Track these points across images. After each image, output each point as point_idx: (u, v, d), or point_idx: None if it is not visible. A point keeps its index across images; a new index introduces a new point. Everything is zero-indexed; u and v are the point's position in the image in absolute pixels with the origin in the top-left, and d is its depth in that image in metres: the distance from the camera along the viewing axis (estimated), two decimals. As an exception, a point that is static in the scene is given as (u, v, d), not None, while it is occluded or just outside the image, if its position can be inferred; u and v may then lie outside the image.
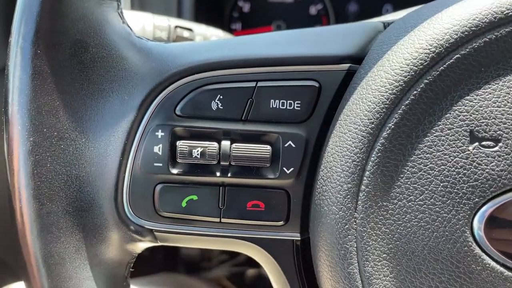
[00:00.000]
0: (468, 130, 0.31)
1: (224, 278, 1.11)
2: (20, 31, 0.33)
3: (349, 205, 0.32)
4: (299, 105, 0.36)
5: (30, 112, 0.33)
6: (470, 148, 0.31)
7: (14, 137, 0.33)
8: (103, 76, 0.35)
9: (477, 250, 0.31)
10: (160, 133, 0.36)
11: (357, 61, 0.36)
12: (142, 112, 0.36)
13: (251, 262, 1.15)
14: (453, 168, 0.31)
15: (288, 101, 0.36)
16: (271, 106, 0.36)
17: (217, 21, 1.11)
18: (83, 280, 0.35)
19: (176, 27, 0.59)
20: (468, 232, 0.31)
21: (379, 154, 0.32)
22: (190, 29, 0.61)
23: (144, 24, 0.58)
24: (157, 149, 0.36)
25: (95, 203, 0.35)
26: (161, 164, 0.36)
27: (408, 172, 0.32)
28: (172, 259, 1.18)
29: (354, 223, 0.32)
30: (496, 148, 0.31)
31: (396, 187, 0.32)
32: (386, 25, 0.39)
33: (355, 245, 0.32)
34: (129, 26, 0.38)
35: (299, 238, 0.37)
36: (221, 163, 0.36)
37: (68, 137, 0.34)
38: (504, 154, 0.31)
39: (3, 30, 0.87)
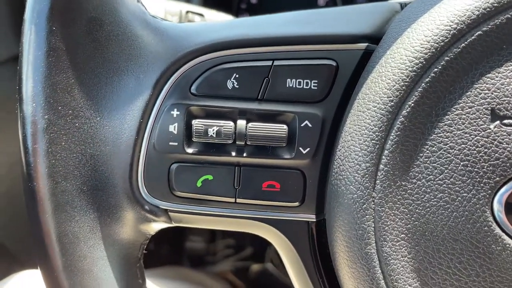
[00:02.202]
0: (490, 108, 0.31)
1: (229, 272, 1.11)
2: (34, 7, 0.32)
3: (367, 184, 0.32)
4: (315, 84, 0.35)
5: (45, 89, 0.32)
6: (491, 126, 0.31)
7: (29, 115, 0.32)
8: (118, 54, 0.35)
9: (497, 230, 0.31)
10: (175, 112, 0.35)
11: (374, 40, 0.36)
12: (158, 90, 0.36)
13: (256, 257, 1.15)
14: (474, 147, 0.31)
15: (305, 81, 0.35)
16: (287, 86, 0.35)
17: (225, 12, 1.11)
18: (97, 260, 0.35)
19: (188, 12, 0.59)
20: (488, 212, 0.31)
21: (398, 133, 0.31)
22: (201, 14, 0.60)
23: (155, 9, 0.58)
24: (173, 128, 0.35)
25: (109, 182, 0.35)
26: (176, 143, 0.35)
27: (428, 151, 0.31)
28: (177, 253, 1.18)
29: (372, 203, 0.32)
30: None
31: (415, 166, 0.32)
32: (403, 5, 0.38)
33: (373, 225, 0.32)
34: (143, 5, 0.37)
35: (315, 220, 0.37)
36: (237, 142, 0.35)
37: (83, 115, 0.34)
38: None
39: (8, 21, 0.87)
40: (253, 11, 1.12)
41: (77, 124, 0.34)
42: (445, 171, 0.31)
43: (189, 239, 1.18)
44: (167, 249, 1.17)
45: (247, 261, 1.16)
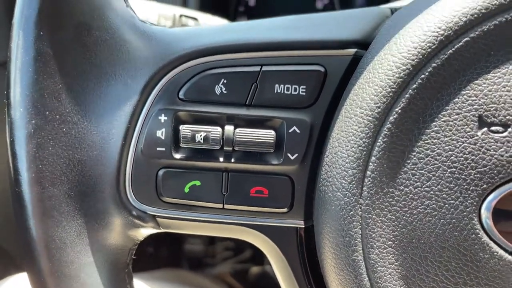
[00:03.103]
0: (477, 115, 0.30)
1: (228, 275, 1.11)
2: (23, 12, 0.32)
3: (354, 191, 0.32)
4: (304, 90, 0.35)
5: (33, 94, 0.32)
6: (479, 133, 0.30)
7: (16, 120, 0.32)
8: (106, 59, 0.35)
9: (485, 238, 0.31)
10: (163, 117, 0.35)
11: (363, 46, 0.36)
12: (145, 96, 0.36)
13: (255, 259, 1.15)
14: (461, 154, 0.31)
15: (293, 86, 0.35)
16: (275, 91, 0.35)
17: (223, 15, 1.11)
18: (84, 265, 0.35)
19: (181, 16, 0.59)
20: (475, 220, 0.31)
21: (385, 139, 0.31)
22: (195, 18, 0.60)
23: (149, 12, 0.58)
24: (160, 133, 0.35)
25: (97, 187, 0.35)
26: (164, 149, 0.35)
27: (415, 158, 0.31)
28: (176, 255, 1.18)
29: (359, 210, 0.32)
30: (505, 134, 0.30)
31: (402, 173, 0.31)
32: (393, 10, 0.38)
33: (360, 232, 0.32)
34: (132, 10, 0.37)
35: (303, 226, 0.37)
36: (225, 148, 0.35)
37: (70, 120, 0.34)
38: None
39: (7, 23, 0.87)
40: (251, 14, 1.12)
41: (64, 129, 0.34)
42: (432, 178, 0.31)
43: (188, 241, 1.18)
44: (166, 252, 1.17)
45: (246, 263, 1.15)
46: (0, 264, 0.95)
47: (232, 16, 1.12)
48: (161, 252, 1.16)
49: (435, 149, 0.31)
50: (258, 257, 1.13)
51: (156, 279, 0.73)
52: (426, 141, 0.31)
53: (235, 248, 1.18)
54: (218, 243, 1.19)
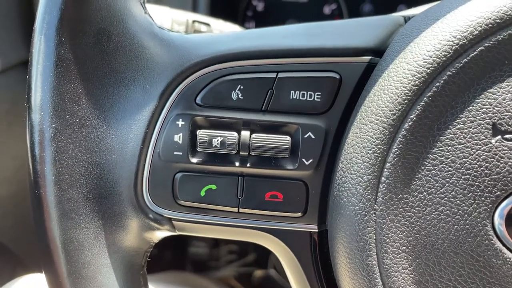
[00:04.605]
0: (491, 123, 0.31)
1: (232, 278, 1.12)
2: (44, 18, 0.33)
3: (369, 196, 0.32)
4: (319, 96, 0.36)
5: (53, 98, 0.33)
6: (493, 141, 0.31)
7: (37, 124, 0.33)
8: (125, 65, 0.36)
9: (498, 244, 0.31)
10: (180, 122, 0.36)
11: (378, 54, 0.36)
12: (163, 101, 0.36)
13: (259, 263, 1.15)
14: (475, 161, 0.31)
15: (309, 93, 0.36)
16: (291, 97, 0.36)
17: (231, 20, 1.12)
18: (101, 267, 0.35)
19: (194, 21, 0.59)
20: (489, 226, 0.31)
21: (400, 146, 0.32)
22: (207, 24, 0.61)
23: (162, 17, 0.59)
24: (178, 138, 0.36)
25: (115, 190, 0.36)
26: (181, 153, 0.36)
27: (429, 165, 0.32)
28: (181, 258, 1.19)
29: (374, 215, 0.32)
30: None
31: (417, 179, 0.32)
32: (406, 19, 0.39)
33: (374, 237, 0.32)
34: (151, 17, 0.38)
35: (317, 230, 0.37)
36: (241, 153, 0.36)
37: (89, 124, 0.35)
38: None
39: (15, 26, 0.88)
40: (259, 19, 1.12)
41: (84, 133, 0.34)
42: (447, 184, 0.32)
43: (193, 244, 1.18)
44: (171, 254, 1.17)
45: (250, 267, 1.16)
46: (9, 265, 0.95)
47: (240, 20, 1.13)
48: (166, 254, 1.16)
49: (450, 156, 0.32)
50: (262, 260, 1.13)
51: (161, 281, 0.74)
52: (440, 148, 0.32)
53: (239, 251, 1.19)
54: (222, 246, 1.20)
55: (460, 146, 0.31)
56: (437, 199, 0.32)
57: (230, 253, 1.20)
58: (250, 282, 1.12)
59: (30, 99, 0.33)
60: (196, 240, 1.18)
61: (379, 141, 0.32)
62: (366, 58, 0.36)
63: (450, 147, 0.31)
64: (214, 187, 0.36)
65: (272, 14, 1.11)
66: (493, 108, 0.31)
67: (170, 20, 0.59)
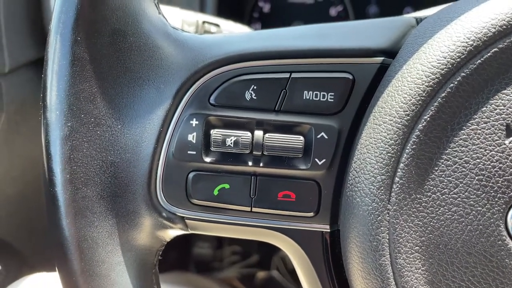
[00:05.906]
0: (505, 124, 0.31)
1: (235, 279, 1.12)
2: (60, 18, 0.33)
3: (382, 196, 0.32)
4: (332, 96, 0.36)
5: (69, 97, 0.33)
6: (506, 142, 0.31)
7: (52, 122, 0.33)
8: (140, 65, 0.36)
9: (511, 244, 0.31)
10: (194, 122, 0.36)
11: (390, 55, 0.36)
12: (177, 100, 0.37)
13: (262, 264, 1.15)
14: (489, 162, 0.31)
15: (322, 93, 0.36)
16: (304, 97, 0.36)
17: (237, 21, 1.12)
18: (114, 265, 0.36)
19: (204, 22, 0.60)
20: (502, 226, 0.31)
21: (414, 146, 0.32)
22: (217, 25, 0.61)
23: (172, 18, 0.59)
24: (191, 137, 0.36)
25: (128, 189, 0.36)
26: (194, 152, 0.36)
27: (443, 165, 0.32)
28: (184, 259, 1.19)
29: (387, 215, 0.32)
30: None
31: (430, 179, 0.32)
32: (418, 20, 0.39)
33: (387, 237, 0.33)
34: (164, 17, 0.38)
35: (329, 230, 0.37)
36: (254, 152, 0.36)
37: (104, 123, 0.35)
38: None
39: (25, 26, 0.88)
40: (265, 20, 1.13)
41: (98, 132, 0.35)
42: (460, 185, 0.32)
43: (196, 245, 1.19)
44: (174, 255, 1.17)
45: (253, 268, 1.16)
46: (15, 264, 0.96)
47: (246, 21, 1.13)
48: (170, 255, 1.16)
49: (463, 157, 0.32)
50: (265, 262, 1.13)
51: (164, 282, 0.74)
52: (454, 149, 0.32)
53: (242, 252, 1.19)
54: (226, 247, 1.20)
55: (474, 147, 0.32)
56: (451, 199, 0.32)
57: (233, 254, 1.21)
58: (253, 283, 1.13)
59: (45, 98, 0.33)
60: (199, 241, 1.18)
61: (392, 141, 0.32)
62: (379, 59, 0.36)
63: (463, 148, 0.32)
64: (227, 186, 0.37)
65: (278, 16, 1.11)
66: (507, 109, 0.31)
67: (180, 21, 0.60)
